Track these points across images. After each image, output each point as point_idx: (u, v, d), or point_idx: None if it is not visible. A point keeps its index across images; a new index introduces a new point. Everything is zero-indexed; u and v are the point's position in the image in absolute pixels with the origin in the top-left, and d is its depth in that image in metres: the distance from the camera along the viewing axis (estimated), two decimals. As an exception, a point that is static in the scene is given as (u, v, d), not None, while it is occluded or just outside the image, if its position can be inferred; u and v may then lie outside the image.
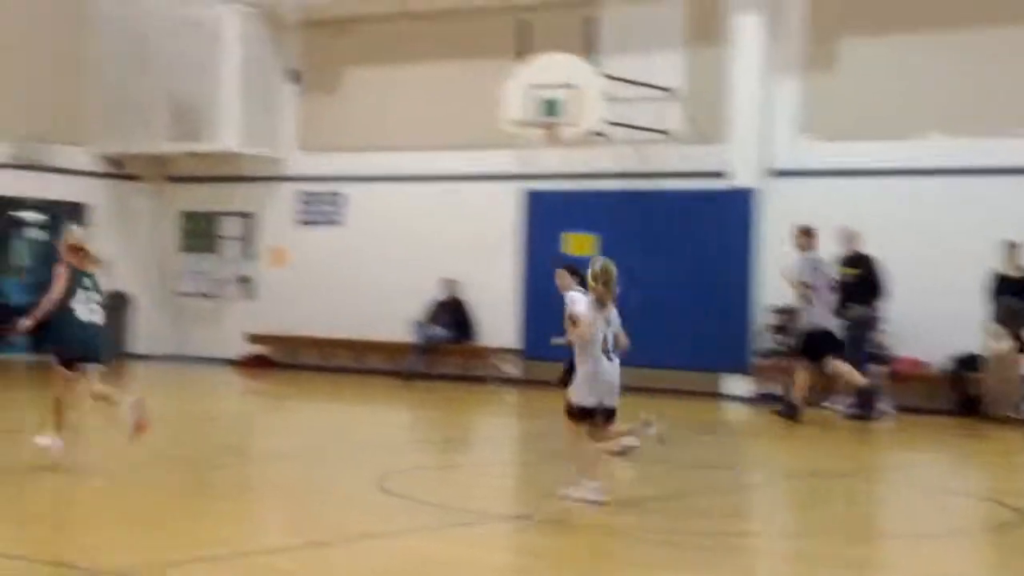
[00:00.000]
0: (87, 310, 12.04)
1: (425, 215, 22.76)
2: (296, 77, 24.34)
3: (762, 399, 19.24)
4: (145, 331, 25.21)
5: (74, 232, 12.68)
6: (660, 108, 20.50)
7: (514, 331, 21.75)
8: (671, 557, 9.11)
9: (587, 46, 20.18)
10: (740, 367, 19.95)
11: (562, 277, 12.41)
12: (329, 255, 23.82)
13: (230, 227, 24.99)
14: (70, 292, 11.93)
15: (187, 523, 9.69)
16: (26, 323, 12.32)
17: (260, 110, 24.05)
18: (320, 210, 24.05)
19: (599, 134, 20.04)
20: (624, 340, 10.60)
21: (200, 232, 25.31)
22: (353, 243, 23.59)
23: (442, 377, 21.71)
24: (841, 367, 16.84)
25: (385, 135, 23.32)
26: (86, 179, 24.73)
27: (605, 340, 10.39)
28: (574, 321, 10.62)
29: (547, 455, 14.04)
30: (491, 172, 22.23)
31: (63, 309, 11.89)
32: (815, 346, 16.82)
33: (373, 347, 22.76)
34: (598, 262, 10.57)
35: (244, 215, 24.82)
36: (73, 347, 12.02)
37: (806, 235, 17.20)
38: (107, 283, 24.90)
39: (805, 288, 16.87)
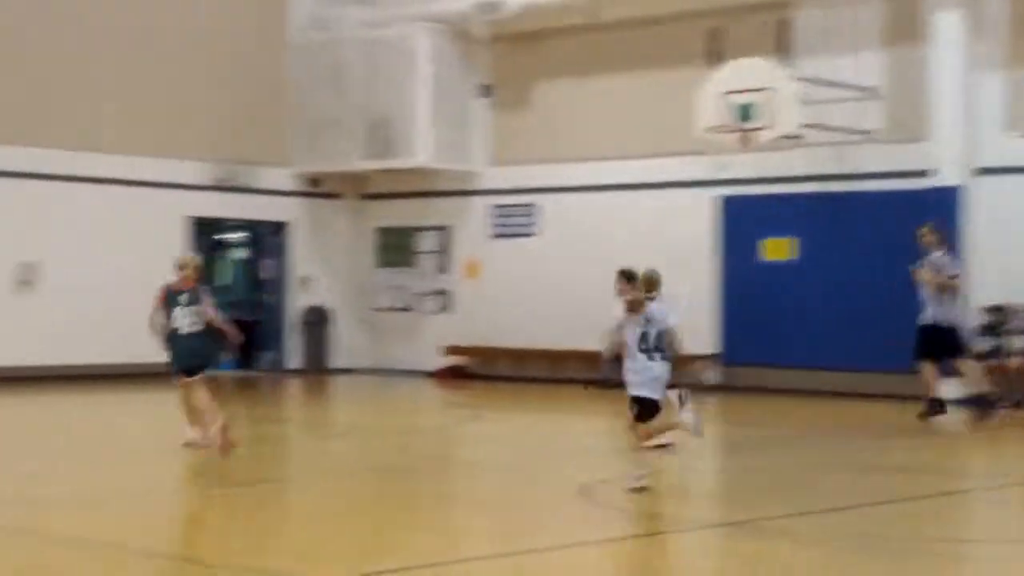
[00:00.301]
0: (186, 324, 13.20)
1: (618, 224, 22.66)
2: (487, 91, 24.50)
3: (973, 401, 18.62)
4: (345, 345, 25.63)
5: (183, 257, 14.07)
6: (858, 109, 20.04)
7: (711, 337, 21.49)
8: (894, 565, 8.82)
9: (780, 49, 19.86)
10: (948, 369, 19.35)
11: (617, 282, 12.28)
12: (522, 266, 23.90)
13: (425, 241, 25.26)
14: (168, 311, 13.21)
15: (390, 533, 9.74)
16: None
17: (453, 125, 24.26)
18: (513, 222, 24.14)
19: (794, 137, 19.69)
20: (674, 339, 11.31)
21: (396, 247, 25.63)
22: (546, 254, 23.62)
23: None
24: (928, 371, 16.39)
25: (577, 146, 23.32)
26: (285, 198, 25.28)
27: (644, 339, 11.07)
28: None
29: (749, 462, 13.80)
30: (685, 179, 22.04)
31: (169, 327, 13.22)
32: (937, 344, 16.40)
33: (568, 356, 22.72)
34: (641, 272, 11.61)
35: (439, 229, 25.06)
36: (180, 359, 13.27)
37: (934, 233, 16.74)
38: (306, 300, 25.64)
39: (950, 281, 16.45)
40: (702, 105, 19.66)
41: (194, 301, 13.29)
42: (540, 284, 23.49)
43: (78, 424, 17.28)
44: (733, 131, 19.40)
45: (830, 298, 20.66)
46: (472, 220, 24.66)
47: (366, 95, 24.38)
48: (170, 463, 13.61)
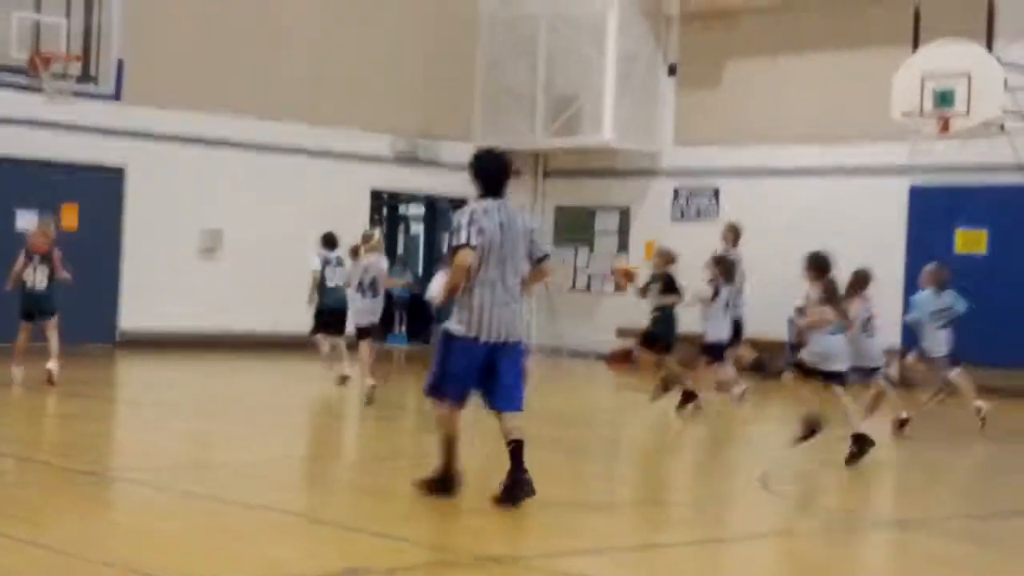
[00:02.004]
0: (334, 284, 17.20)
1: (804, 210, 22.09)
2: (674, 70, 24.12)
3: None
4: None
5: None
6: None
7: (897, 330, 20.82)
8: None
9: (985, 32, 19.09)
10: None
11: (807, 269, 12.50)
12: (702, 250, 23.42)
13: (605, 222, 24.99)
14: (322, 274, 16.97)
15: (567, 515, 9.54)
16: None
17: (637, 104, 23.93)
18: (695, 204, 23.72)
19: (994, 125, 18.93)
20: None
21: (575, 226, 25.41)
22: (728, 239, 23.12)
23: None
24: None
25: (764, 128, 22.80)
26: (465, 173, 25.17)
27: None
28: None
29: (931, 458, 13.30)
30: (877, 166, 21.39)
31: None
32: None
33: (745, 342, 22.18)
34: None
35: (619, 209, 24.76)
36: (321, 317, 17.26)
37: None
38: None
39: None
40: (899, 89, 19.03)
41: (339, 264, 17.07)
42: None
43: (256, 390, 17.44)
44: (930, 117, 18.73)
45: (1020, 294, 19.84)
46: (653, 201, 24.30)
47: (552, 71, 24.21)
48: (340, 431, 13.63)
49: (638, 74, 23.89)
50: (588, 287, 25.15)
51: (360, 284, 15.71)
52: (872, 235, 21.07)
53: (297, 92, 23.18)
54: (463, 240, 8.85)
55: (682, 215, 23.96)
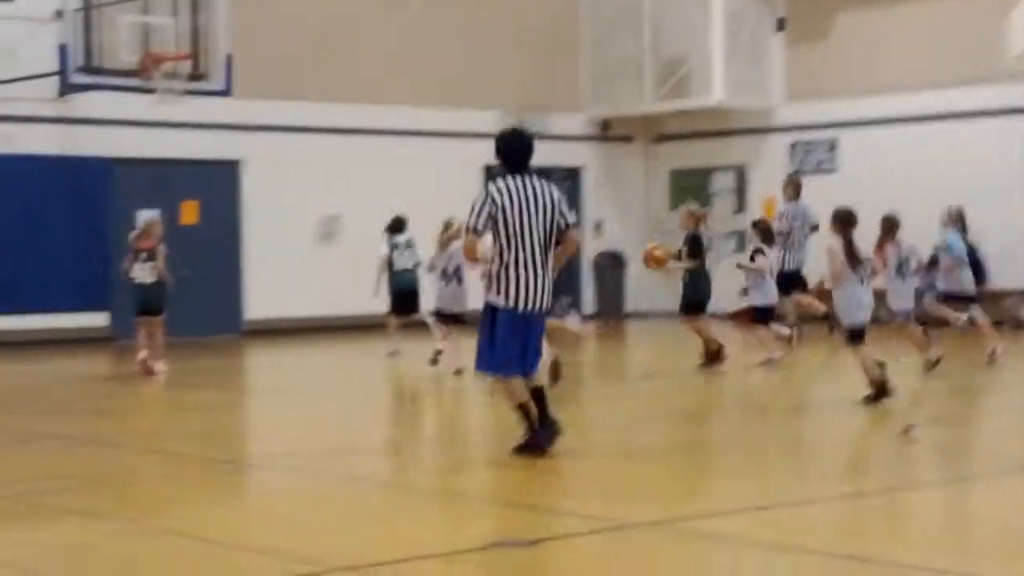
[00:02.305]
0: (402, 267, 17.72)
1: (924, 158, 21.70)
2: (782, 24, 23.78)
3: None
4: (639, 289, 25.41)
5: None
6: None
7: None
8: None
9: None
10: None
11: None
12: (822, 204, 23.07)
13: (721, 182, 24.75)
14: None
15: (698, 478, 9.47)
16: None
17: (747, 62, 23.66)
18: (812, 159, 23.40)
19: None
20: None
21: (691, 189, 25.19)
22: (847, 190, 22.66)
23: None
24: None
25: (878, 77, 22.41)
26: (578, 143, 25.15)
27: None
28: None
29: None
30: (994, 108, 20.91)
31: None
32: None
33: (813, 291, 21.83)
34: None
35: (735, 168, 24.51)
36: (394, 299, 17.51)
37: None
38: (600, 244, 25.52)
39: None
40: (1013, 30, 18.57)
41: (408, 245, 17.92)
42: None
43: (380, 372, 17.55)
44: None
45: None
46: (769, 158, 24.02)
47: (658, 35, 24.02)
48: (463, 408, 13.64)
49: (746, 31, 23.60)
50: (708, 248, 24.86)
51: (444, 271, 15.88)
52: (993, 179, 20.64)
53: (404, 74, 23.24)
54: (471, 224, 9.48)
55: (799, 169, 23.63)
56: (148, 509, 8.45)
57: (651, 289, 25.42)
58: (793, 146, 23.71)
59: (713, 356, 15.60)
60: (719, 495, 8.85)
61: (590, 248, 25.42)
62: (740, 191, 24.50)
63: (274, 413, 13.78)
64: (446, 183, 23.24)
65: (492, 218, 9.37)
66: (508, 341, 9.43)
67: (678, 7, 23.69)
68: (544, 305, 9.50)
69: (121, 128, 20.77)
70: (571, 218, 9.70)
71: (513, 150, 9.56)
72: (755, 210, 24.07)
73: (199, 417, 13.06)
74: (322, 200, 22.63)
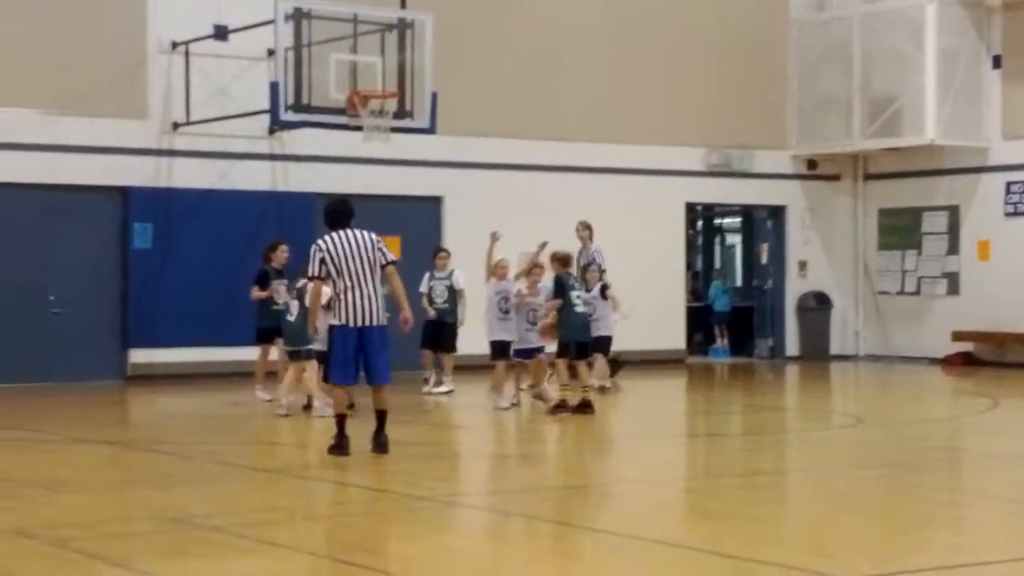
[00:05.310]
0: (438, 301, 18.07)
1: None
2: (998, 62, 23.07)
3: None
4: (844, 331, 24.88)
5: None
6: None
7: None
8: None
9: None
10: None
11: None
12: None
13: (932, 222, 24.08)
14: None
15: (908, 531, 9.10)
16: None
17: (961, 99, 22.99)
18: (1027, 200, 22.65)
19: None
20: None
21: (900, 229, 24.59)
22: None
23: None
24: None
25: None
26: (783, 182, 24.76)
27: None
28: None
29: None
30: None
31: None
32: None
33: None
34: None
35: (947, 209, 23.83)
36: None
37: None
38: (804, 284, 25.12)
39: None
40: None
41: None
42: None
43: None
44: None
45: None
46: (983, 198, 23.28)
47: (869, 72, 23.54)
48: (662, 451, 13.42)
49: (960, 69, 22.95)
50: (917, 290, 24.26)
51: (499, 307, 16.48)
52: None
53: (606, 111, 23.16)
54: (311, 272, 12.15)
55: (1015, 210, 22.87)
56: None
57: (857, 331, 24.87)
58: (1008, 186, 22.94)
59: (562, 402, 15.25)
60: (924, 550, 8.48)
61: (793, 288, 24.97)
62: (952, 232, 23.78)
63: (474, 449, 13.69)
64: (650, 221, 23.10)
65: (323, 264, 11.85)
66: (343, 352, 11.84)
67: (890, 44, 23.17)
68: (372, 322, 11.82)
69: (327, 164, 21.15)
70: (389, 256, 12.08)
71: (337, 212, 12.14)
72: (971, 251, 23.38)
73: (398, 453, 13.06)
74: (523, 237, 22.61)
